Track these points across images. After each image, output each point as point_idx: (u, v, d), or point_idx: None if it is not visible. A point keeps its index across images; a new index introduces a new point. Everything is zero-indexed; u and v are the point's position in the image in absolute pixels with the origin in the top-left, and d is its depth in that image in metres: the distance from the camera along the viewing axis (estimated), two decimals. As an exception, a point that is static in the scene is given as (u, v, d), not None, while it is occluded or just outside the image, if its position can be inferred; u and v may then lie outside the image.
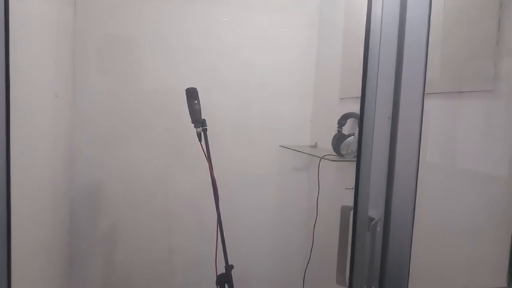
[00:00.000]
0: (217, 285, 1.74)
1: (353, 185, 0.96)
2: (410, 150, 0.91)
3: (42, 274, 1.67)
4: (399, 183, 0.90)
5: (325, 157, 1.91)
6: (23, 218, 1.27)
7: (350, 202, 1.00)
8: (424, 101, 0.93)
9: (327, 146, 2.03)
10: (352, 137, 1.86)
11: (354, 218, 0.95)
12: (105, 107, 2.13)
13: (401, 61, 0.91)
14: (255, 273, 2.39)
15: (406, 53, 0.90)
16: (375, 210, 0.90)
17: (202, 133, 1.70)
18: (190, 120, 1.71)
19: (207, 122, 1.72)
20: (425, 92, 0.93)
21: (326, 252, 2.13)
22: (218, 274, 1.74)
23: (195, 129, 1.70)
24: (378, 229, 0.90)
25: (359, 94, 0.95)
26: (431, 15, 0.92)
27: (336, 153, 1.92)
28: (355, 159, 0.96)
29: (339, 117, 1.97)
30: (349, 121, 1.97)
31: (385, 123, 0.92)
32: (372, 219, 0.89)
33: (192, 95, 1.70)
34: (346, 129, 1.96)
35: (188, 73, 2.20)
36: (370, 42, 0.92)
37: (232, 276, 1.73)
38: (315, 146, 2.42)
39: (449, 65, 1.42)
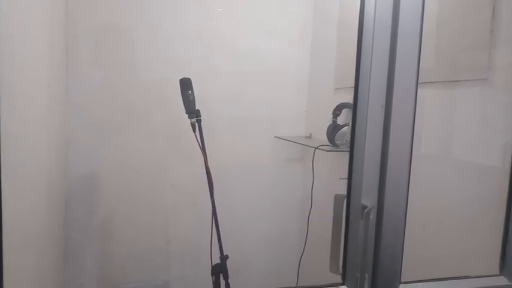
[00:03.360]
0: (212, 275, 1.75)
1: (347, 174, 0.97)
2: (403, 138, 0.91)
3: (37, 266, 1.67)
4: (392, 172, 0.90)
5: (320, 147, 1.91)
6: (16, 209, 1.27)
7: (344, 192, 1.00)
8: (420, 90, 0.93)
9: (322, 136, 2.03)
10: (347, 127, 1.86)
11: (347, 206, 0.95)
12: (99, 97, 2.11)
13: (394, 50, 0.91)
14: (250, 263, 2.41)
15: (400, 42, 0.90)
16: (368, 199, 0.91)
17: (196, 124, 1.70)
18: (184, 110, 1.70)
19: (202, 113, 1.71)
20: (421, 81, 0.93)
21: (320, 242, 2.14)
22: (213, 264, 1.75)
23: (189, 119, 1.70)
24: (371, 217, 0.90)
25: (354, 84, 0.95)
26: (426, 4, 0.92)
27: (331, 143, 1.92)
28: (350, 149, 0.96)
29: (334, 108, 1.97)
30: (344, 111, 1.97)
31: (379, 112, 0.92)
32: (364, 207, 0.89)
33: (186, 85, 1.69)
34: (341, 120, 1.96)
35: (182, 63, 2.18)
36: (364, 32, 0.92)
37: (228, 266, 1.74)
38: (310, 137, 2.42)
39: (444, 54, 1.42)
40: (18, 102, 1.33)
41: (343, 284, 0.98)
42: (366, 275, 0.93)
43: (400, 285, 0.95)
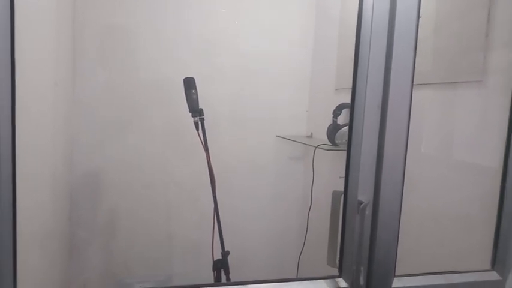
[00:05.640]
0: (213, 270, 1.78)
1: (345, 171, 1.00)
2: (398, 137, 0.94)
3: (43, 261, 1.69)
4: (388, 169, 0.94)
5: (320, 146, 1.94)
6: (22, 205, 1.30)
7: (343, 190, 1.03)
8: (419, 91, 0.96)
9: (322, 136, 2.06)
10: (347, 127, 1.89)
11: (344, 201, 0.99)
12: (104, 96, 2.15)
13: (391, 52, 0.93)
14: (251, 259, 2.44)
15: (396, 44, 0.93)
16: (364, 195, 0.94)
17: (199, 122, 1.74)
18: (188, 109, 1.74)
19: (205, 112, 1.75)
20: (420, 83, 0.96)
21: (319, 238, 2.17)
22: (215, 260, 1.79)
23: (192, 118, 1.74)
24: (367, 212, 0.94)
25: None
26: (424, 7, 0.95)
27: (331, 143, 1.95)
28: (349, 149, 0.99)
29: (334, 108, 2.00)
30: (344, 111, 2.00)
31: (375, 112, 0.95)
32: (360, 202, 0.93)
33: (189, 84, 1.73)
34: (341, 120, 1.99)
35: (186, 63, 2.22)
36: (361, 33, 0.95)
37: (229, 261, 1.78)
38: (310, 136, 2.45)
39: (442, 56, 1.45)
40: (26, 100, 1.37)
41: (339, 276, 1.01)
42: (362, 268, 0.96)
43: (394, 278, 0.98)
